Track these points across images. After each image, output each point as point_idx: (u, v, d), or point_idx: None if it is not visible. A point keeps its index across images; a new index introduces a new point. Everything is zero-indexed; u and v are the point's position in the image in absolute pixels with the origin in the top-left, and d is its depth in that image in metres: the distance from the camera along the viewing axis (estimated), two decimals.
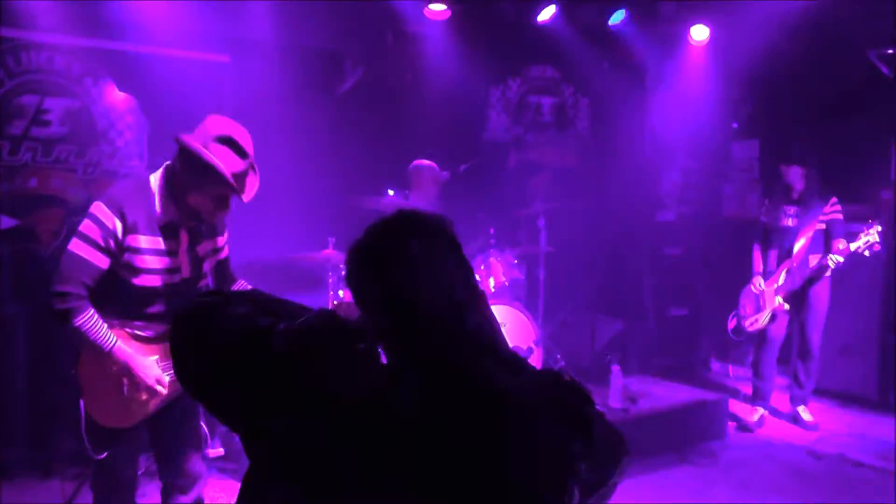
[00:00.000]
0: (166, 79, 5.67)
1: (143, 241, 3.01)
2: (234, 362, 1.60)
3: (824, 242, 5.91)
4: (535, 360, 5.66)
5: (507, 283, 5.85)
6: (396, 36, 6.72)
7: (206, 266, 3.22)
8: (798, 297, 6.03)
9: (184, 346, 1.71)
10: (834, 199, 5.91)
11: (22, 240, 5.67)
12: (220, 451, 5.13)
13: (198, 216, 3.09)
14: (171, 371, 3.02)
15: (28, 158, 5.64)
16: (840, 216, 5.90)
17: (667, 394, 6.27)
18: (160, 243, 3.04)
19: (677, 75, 7.78)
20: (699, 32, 7.52)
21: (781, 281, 5.99)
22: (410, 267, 1.61)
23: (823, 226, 5.90)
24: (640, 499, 4.97)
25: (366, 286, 1.64)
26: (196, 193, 3.02)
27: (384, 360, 1.65)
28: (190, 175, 3.02)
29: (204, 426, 5.18)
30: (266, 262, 5.38)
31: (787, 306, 5.98)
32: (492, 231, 5.90)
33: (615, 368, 5.86)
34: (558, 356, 6.13)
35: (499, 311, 5.54)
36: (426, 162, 5.94)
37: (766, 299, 6.05)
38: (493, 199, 6.50)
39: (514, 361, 1.69)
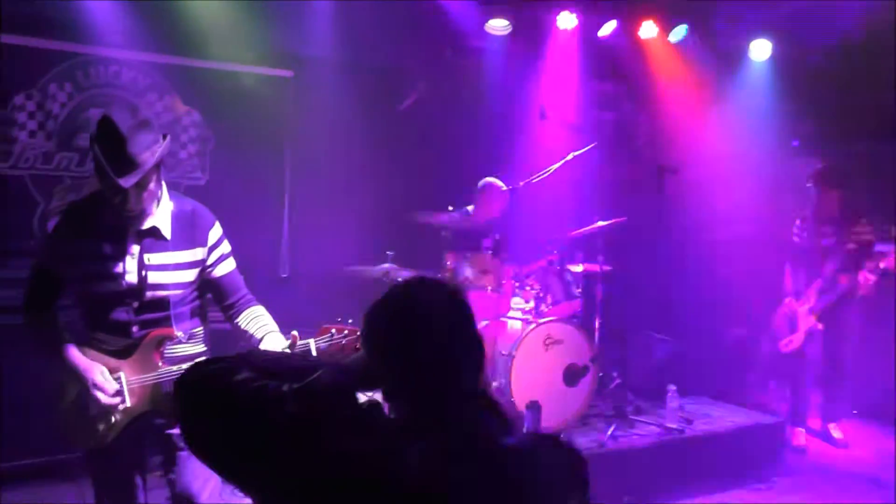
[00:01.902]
0: (230, 93, 5.76)
1: (83, 245, 3.01)
2: (249, 428, 1.70)
3: (856, 262, 5.91)
4: (591, 378, 5.63)
5: (564, 301, 5.82)
6: (456, 52, 6.74)
7: (166, 278, 3.09)
8: (831, 317, 6.04)
9: (194, 412, 1.81)
10: (866, 220, 5.93)
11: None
12: None
13: (137, 216, 3.00)
14: (130, 390, 3.05)
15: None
16: (872, 237, 5.91)
17: (723, 415, 6.19)
18: (100, 248, 3.02)
19: (737, 91, 7.68)
20: (760, 48, 7.46)
21: (814, 301, 6.00)
22: (421, 327, 1.73)
23: (855, 246, 5.86)
24: None
25: (380, 342, 1.77)
26: (103, 189, 2.96)
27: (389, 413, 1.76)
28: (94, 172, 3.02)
29: None
30: (325, 274, 5.42)
31: (821, 326, 5.97)
32: (551, 248, 5.88)
33: (671, 388, 5.80)
34: (614, 374, 6.08)
35: (556, 329, 5.52)
36: (490, 181, 5.94)
37: (799, 320, 6.03)
38: (553, 216, 6.48)
39: (512, 421, 1.83)
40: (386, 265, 5.45)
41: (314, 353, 2.98)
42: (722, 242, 7.64)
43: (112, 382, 3.04)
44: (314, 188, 6.27)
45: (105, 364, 3.07)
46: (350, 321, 3.03)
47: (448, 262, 5.48)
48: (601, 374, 5.79)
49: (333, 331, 3.01)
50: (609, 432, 5.40)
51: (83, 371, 3.02)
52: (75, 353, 3.05)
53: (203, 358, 3.16)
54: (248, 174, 6.06)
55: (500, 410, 1.81)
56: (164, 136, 3.02)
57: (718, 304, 7.35)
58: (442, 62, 6.71)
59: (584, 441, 5.37)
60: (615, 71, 7.49)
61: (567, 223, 6.24)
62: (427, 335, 1.73)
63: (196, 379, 1.84)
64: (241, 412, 1.72)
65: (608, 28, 7.04)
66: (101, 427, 3.07)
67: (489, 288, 5.55)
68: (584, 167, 6.36)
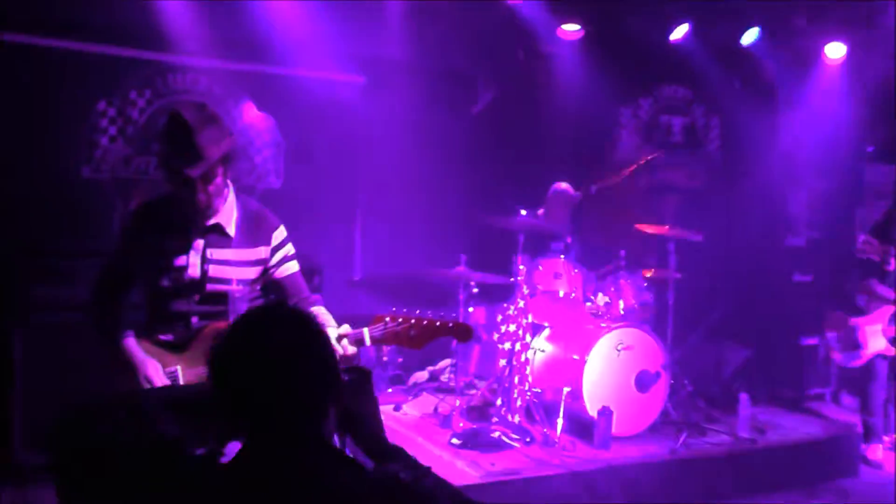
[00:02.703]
0: (303, 99, 5.86)
1: (153, 239, 3.13)
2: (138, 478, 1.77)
3: None
4: (662, 385, 5.57)
5: (636, 306, 5.77)
6: (528, 56, 6.74)
7: (227, 273, 3.18)
8: None
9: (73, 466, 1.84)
10: None
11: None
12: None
13: (203, 210, 3.10)
14: (188, 381, 3.13)
15: None
16: None
17: (796, 426, 6.06)
18: (168, 242, 3.13)
19: (810, 94, 7.54)
20: (834, 50, 7.31)
21: (885, 325, 5.80)
22: (268, 367, 1.67)
23: None
24: None
25: (226, 382, 1.71)
26: (172, 184, 3.07)
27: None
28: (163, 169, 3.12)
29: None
30: (398, 277, 5.47)
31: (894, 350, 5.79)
32: (622, 253, 5.84)
33: (743, 397, 5.70)
34: (685, 382, 5.99)
35: (627, 335, 5.48)
36: (561, 185, 5.93)
37: (866, 338, 5.85)
38: (623, 221, 6.43)
39: (354, 462, 1.78)
40: (458, 268, 5.47)
41: (367, 341, 3.04)
42: (795, 249, 7.51)
43: (163, 378, 3.10)
44: (386, 192, 6.34)
45: (162, 359, 3.14)
46: (404, 310, 3.04)
47: (520, 266, 5.48)
48: (672, 381, 5.72)
49: (387, 319, 3.04)
50: (681, 440, 5.33)
51: (138, 364, 3.09)
52: (134, 346, 3.12)
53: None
54: (322, 178, 6.15)
55: (344, 458, 1.74)
56: (231, 132, 3.09)
57: (791, 312, 7.21)
58: (515, 66, 6.71)
59: (655, 448, 5.30)
60: (686, 74, 7.40)
61: (638, 228, 6.19)
62: (256, 374, 1.67)
63: (69, 428, 1.85)
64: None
65: (680, 31, 6.97)
66: None
67: (561, 292, 5.53)
68: (655, 172, 6.32)
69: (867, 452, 6.02)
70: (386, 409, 5.84)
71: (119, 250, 3.25)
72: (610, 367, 5.40)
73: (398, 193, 6.26)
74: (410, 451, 4.84)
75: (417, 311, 3.06)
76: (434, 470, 4.58)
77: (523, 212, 5.47)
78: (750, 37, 7.10)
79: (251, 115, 6.04)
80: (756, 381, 6.39)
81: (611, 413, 5.22)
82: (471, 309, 5.58)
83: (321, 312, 3.28)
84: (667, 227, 5.84)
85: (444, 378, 6.31)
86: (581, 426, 5.33)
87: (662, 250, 6.00)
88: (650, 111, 7.44)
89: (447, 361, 6.29)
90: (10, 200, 5.37)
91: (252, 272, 3.23)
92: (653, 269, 6.00)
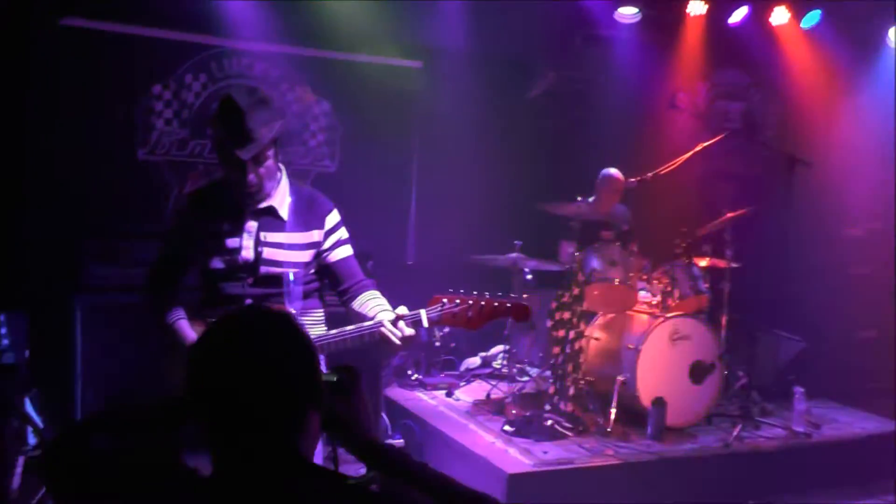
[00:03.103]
0: (359, 83, 5.86)
1: (206, 222, 3.15)
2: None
3: None
4: (717, 377, 5.49)
5: (691, 296, 5.69)
6: (585, 41, 6.66)
7: (280, 256, 3.17)
8: None
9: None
10: None
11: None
12: (400, 442, 5.27)
13: (255, 193, 3.10)
14: None
15: None
16: None
17: (852, 421, 5.94)
18: (221, 224, 3.15)
19: (873, 80, 7.34)
20: None
21: None
22: (240, 373, 1.55)
23: None
24: None
25: (197, 389, 1.59)
26: (224, 167, 3.08)
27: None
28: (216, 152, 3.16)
29: (384, 416, 5.34)
30: (451, 263, 5.45)
31: None
32: (678, 241, 5.75)
33: (798, 391, 5.59)
34: (740, 373, 5.91)
35: (683, 324, 5.40)
36: (610, 171, 5.85)
37: None
38: (681, 209, 6.35)
39: (332, 476, 1.62)
40: (513, 255, 5.44)
41: (425, 323, 3.00)
42: (855, 240, 7.34)
43: None
44: (441, 177, 6.33)
45: None
46: (462, 290, 3.01)
47: (575, 253, 5.43)
48: (726, 373, 5.65)
49: (444, 300, 3.00)
50: (735, 433, 5.25)
51: (188, 346, 3.11)
52: (185, 328, 3.16)
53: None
54: (377, 163, 6.15)
55: (319, 473, 1.60)
56: (282, 115, 3.10)
57: (850, 304, 7.07)
58: (571, 51, 6.64)
59: (709, 440, 5.25)
60: (744, 59, 7.25)
61: (695, 216, 6.10)
62: (227, 382, 1.54)
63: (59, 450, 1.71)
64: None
65: (739, 14, 6.82)
66: None
67: (616, 280, 5.46)
68: (711, 159, 6.22)
69: None
70: (438, 395, 5.90)
71: (173, 233, 3.29)
72: (664, 358, 5.34)
73: (453, 178, 6.24)
74: (463, 438, 4.91)
75: (475, 292, 3.02)
76: (487, 457, 4.61)
77: (579, 198, 5.41)
78: (810, 20, 6.93)
79: (306, 99, 6.05)
80: (811, 375, 6.26)
81: (665, 404, 5.16)
82: (525, 296, 5.53)
83: (377, 296, 3.25)
84: (723, 214, 5.75)
85: (496, 364, 6.30)
86: (634, 416, 5.28)
87: (719, 239, 5.90)
88: (707, 96, 7.31)
89: (500, 347, 6.28)
90: (67, 182, 5.45)
91: (305, 255, 3.22)
92: (708, 258, 5.90)
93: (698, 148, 5.88)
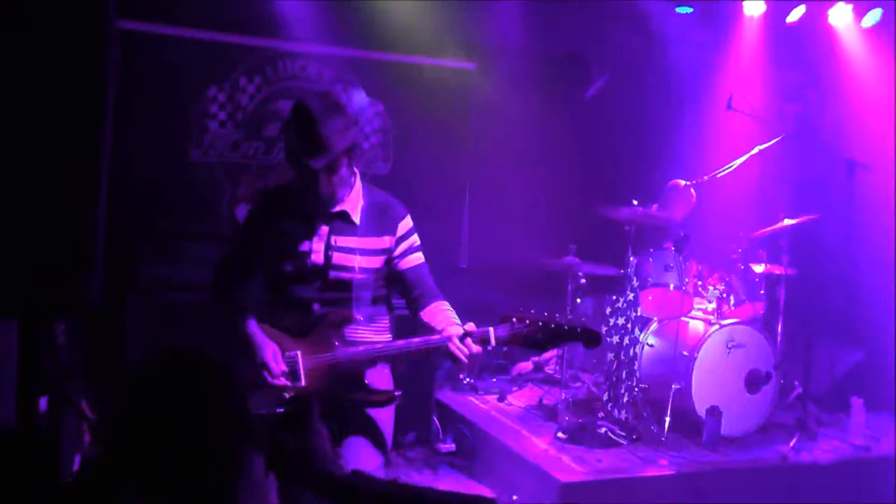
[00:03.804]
0: (413, 85, 5.84)
1: (276, 224, 3.16)
2: None
3: None
4: (773, 386, 5.40)
5: (747, 302, 5.59)
6: (642, 39, 6.58)
7: (350, 261, 3.15)
8: None
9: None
10: None
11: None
12: (452, 446, 5.26)
13: (327, 199, 3.10)
14: (306, 371, 3.12)
15: (280, 159, 5.98)
16: None
17: None
18: (292, 227, 3.15)
19: None
20: None
21: None
22: (161, 425, 1.50)
23: None
24: None
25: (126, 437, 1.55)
26: (296, 172, 3.10)
27: None
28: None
29: (436, 420, 5.34)
30: (505, 266, 5.42)
31: None
32: (734, 247, 5.66)
33: (857, 402, 5.48)
34: (795, 382, 5.80)
35: (738, 332, 5.31)
36: (682, 183, 5.75)
37: None
38: (736, 213, 6.24)
39: None
40: (567, 258, 5.39)
41: (493, 342, 2.95)
42: None
43: (280, 364, 3.12)
44: (495, 179, 6.29)
45: (282, 342, 3.15)
46: (532, 311, 2.96)
47: (631, 258, 5.37)
48: (782, 382, 5.55)
49: (514, 319, 2.95)
50: (791, 445, 5.16)
51: (258, 347, 3.12)
52: (255, 329, 3.16)
53: None
54: (430, 165, 6.14)
55: None
56: (356, 122, 3.09)
57: None
58: (627, 50, 6.57)
59: (764, 452, 5.15)
60: (802, 59, 7.11)
61: (751, 220, 6.00)
62: (150, 433, 1.51)
63: None
64: None
65: (797, 13, 6.68)
66: (279, 400, 3.14)
67: (672, 285, 5.39)
68: (768, 161, 6.10)
69: None
70: (490, 399, 5.86)
71: (244, 234, 3.32)
72: (720, 366, 5.25)
73: (507, 180, 6.22)
74: (515, 444, 4.89)
75: (545, 314, 2.96)
76: (540, 465, 4.57)
77: (635, 202, 5.34)
78: (871, 19, 6.76)
79: (360, 100, 6.05)
80: (870, 386, 6.13)
81: (720, 413, 5.08)
82: (578, 300, 5.50)
83: (447, 308, 3.21)
84: (780, 219, 5.64)
85: (549, 369, 6.26)
86: (689, 425, 5.20)
87: (775, 244, 5.79)
88: (764, 98, 7.15)
89: (553, 352, 6.22)
90: (124, 181, 5.49)
91: (376, 261, 3.19)
92: (765, 264, 5.80)
93: (754, 150, 5.77)
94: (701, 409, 5.11)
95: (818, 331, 6.54)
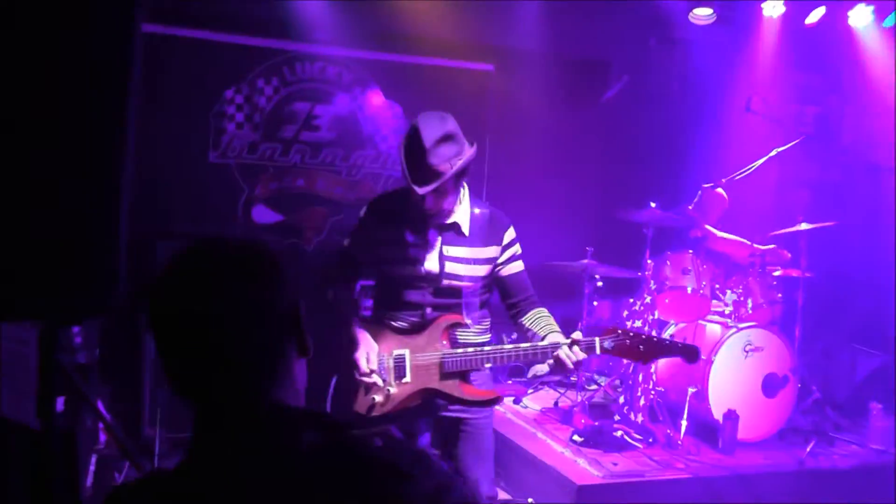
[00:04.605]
0: (431, 87, 5.87)
1: (389, 231, 3.31)
2: None
3: None
4: (790, 391, 5.36)
5: (765, 306, 5.56)
6: (660, 42, 6.55)
7: (461, 270, 3.28)
8: None
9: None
10: None
11: (287, 235, 6.05)
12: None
13: (435, 214, 3.24)
14: (414, 368, 3.24)
15: (297, 160, 6.01)
16: None
17: None
18: (405, 235, 3.29)
19: None
20: None
21: None
22: (220, 304, 1.33)
23: None
24: None
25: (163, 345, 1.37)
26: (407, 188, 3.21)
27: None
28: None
29: None
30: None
31: None
32: (752, 250, 5.63)
33: (875, 407, 5.44)
34: (814, 388, 5.76)
35: (756, 336, 5.28)
36: (719, 191, 5.72)
37: None
38: (754, 216, 6.21)
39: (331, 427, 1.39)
40: (584, 261, 5.38)
41: (598, 351, 3.17)
42: None
43: (372, 363, 3.23)
44: (513, 181, 6.28)
45: (392, 341, 3.30)
46: (637, 326, 3.06)
47: (648, 261, 5.36)
48: (800, 386, 5.51)
49: (619, 331, 3.17)
50: (808, 449, 5.13)
51: (356, 344, 3.25)
52: (355, 328, 3.29)
53: None
54: None
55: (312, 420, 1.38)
56: (472, 145, 3.22)
57: None
58: (646, 53, 6.55)
59: (782, 456, 5.12)
60: (821, 61, 7.06)
61: (769, 223, 5.96)
62: (176, 322, 1.33)
63: None
64: None
65: (816, 15, 6.63)
66: (375, 399, 3.27)
67: (689, 288, 5.37)
68: (786, 164, 6.06)
69: None
70: (506, 402, 5.82)
71: (357, 236, 3.42)
72: (737, 369, 5.23)
73: (524, 182, 6.21)
74: (531, 447, 4.87)
75: (647, 328, 3.06)
76: (556, 467, 4.57)
77: (653, 204, 5.32)
78: (893, 19, 6.69)
79: (378, 102, 6.07)
80: (890, 391, 6.09)
81: (737, 417, 5.06)
82: (595, 303, 5.49)
83: (547, 315, 3.38)
84: (798, 222, 5.61)
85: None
86: (706, 429, 5.18)
87: (794, 248, 5.76)
88: (782, 100, 7.10)
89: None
90: (141, 182, 5.51)
91: (483, 269, 3.34)
92: (783, 268, 5.77)
93: (773, 153, 5.74)
94: (717, 412, 5.09)
95: (837, 335, 6.51)
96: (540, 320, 3.34)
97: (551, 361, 3.15)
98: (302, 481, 1.29)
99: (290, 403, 1.41)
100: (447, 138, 3.16)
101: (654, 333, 3.29)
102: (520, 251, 3.45)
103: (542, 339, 3.24)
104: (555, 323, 3.34)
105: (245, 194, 6.00)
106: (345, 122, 6.08)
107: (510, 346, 3.26)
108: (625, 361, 5.24)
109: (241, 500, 1.29)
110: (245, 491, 1.29)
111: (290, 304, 1.42)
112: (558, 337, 3.21)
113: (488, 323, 3.49)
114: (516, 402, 5.79)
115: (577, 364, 3.13)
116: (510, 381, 6.18)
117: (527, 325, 3.36)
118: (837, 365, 6.33)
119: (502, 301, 3.45)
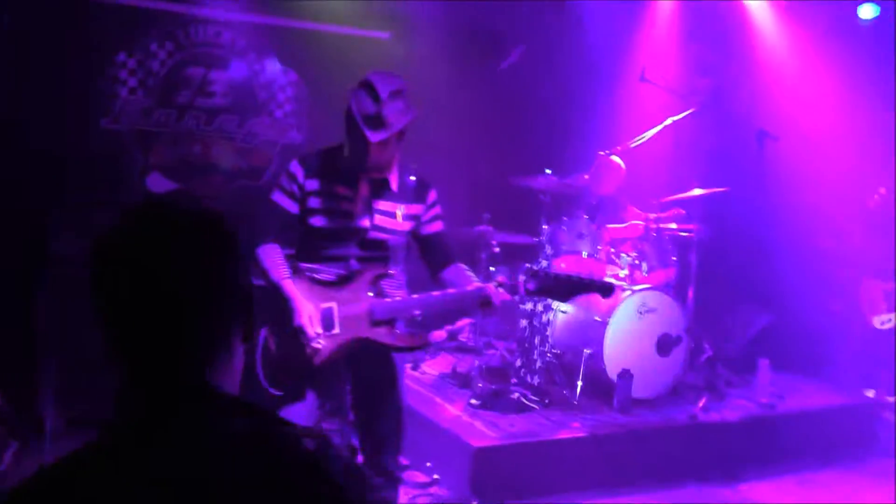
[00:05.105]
0: (328, 55, 5.81)
1: (320, 184, 3.38)
2: None
3: None
4: (683, 349, 5.53)
5: (658, 268, 5.72)
6: (557, 12, 6.60)
7: (390, 224, 3.42)
8: None
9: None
10: None
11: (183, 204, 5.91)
12: None
13: (374, 167, 3.36)
14: (341, 319, 3.29)
15: (192, 126, 5.88)
16: None
17: (816, 393, 6.03)
18: (336, 188, 3.38)
19: (845, 56, 7.34)
20: (868, 9, 7.06)
21: None
22: (148, 283, 1.23)
23: None
24: (782, 499, 4.85)
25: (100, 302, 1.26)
26: (349, 139, 3.33)
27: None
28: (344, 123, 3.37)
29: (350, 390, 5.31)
30: None
31: None
32: (646, 214, 5.77)
33: (763, 363, 5.66)
34: (706, 346, 5.96)
35: (650, 297, 5.43)
36: (615, 159, 5.81)
37: None
38: (650, 182, 6.34)
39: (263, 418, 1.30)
40: (481, 227, 5.43)
41: (522, 291, 3.35)
42: (824, 213, 7.39)
43: (318, 323, 3.26)
44: (409, 148, 6.21)
45: (318, 296, 3.32)
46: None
47: (544, 226, 5.43)
48: (693, 345, 5.69)
49: (540, 272, 3.40)
50: (700, 404, 5.31)
51: (295, 308, 3.25)
52: (292, 288, 3.29)
53: None
54: (343, 134, 6.07)
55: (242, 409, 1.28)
56: (416, 107, 3.41)
57: (818, 279, 7.13)
58: (542, 22, 6.59)
59: (675, 413, 5.30)
60: (714, 34, 7.23)
61: (663, 189, 6.11)
62: (120, 288, 1.24)
63: None
64: None
65: None
66: (306, 352, 3.29)
67: (585, 253, 5.47)
68: (682, 133, 6.21)
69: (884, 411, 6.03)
70: (405, 368, 5.84)
71: (286, 189, 3.43)
72: (631, 330, 5.37)
73: (421, 150, 6.17)
74: (429, 411, 4.91)
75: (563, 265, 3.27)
76: (453, 430, 4.60)
77: (548, 171, 5.39)
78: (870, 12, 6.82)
79: (273, 69, 5.97)
80: (777, 348, 6.33)
81: (631, 376, 5.20)
82: (492, 268, 5.54)
83: (465, 269, 3.57)
84: (692, 188, 5.76)
85: (463, 338, 6.29)
86: (601, 389, 5.31)
87: (687, 212, 5.92)
88: (678, 70, 7.25)
89: (466, 321, 6.27)
90: (30, 151, 5.33)
91: (408, 225, 3.50)
92: (676, 232, 5.92)
93: (667, 122, 5.88)
94: (613, 372, 5.23)
95: (729, 296, 6.74)
96: (460, 273, 3.53)
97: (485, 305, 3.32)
98: (223, 469, 1.20)
99: (227, 389, 1.31)
100: (398, 93, 3.32)
101: (574, 272, 3.48)
102: (441, 211, 3.63)
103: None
104: (474, 275, 3.53)
105: (140, 162, 5.84)
106: (240, 88, 5.95)
107: (437, 293, 3.39)
108: (544, 316, 5.33)
109: (159, 485, 1.20)
110: (162, 476, 1.20)
111: (245, 284, 1.36)
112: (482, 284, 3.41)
113: (404, 277, 3.61)
114: (414, 368, 5.82)
115: (504, 304, 3.36)
116: None
117: (446, 277, 3.53)
118: (729, 324, 6.56)
119: (423, 258, 3.62)
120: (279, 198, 3.43)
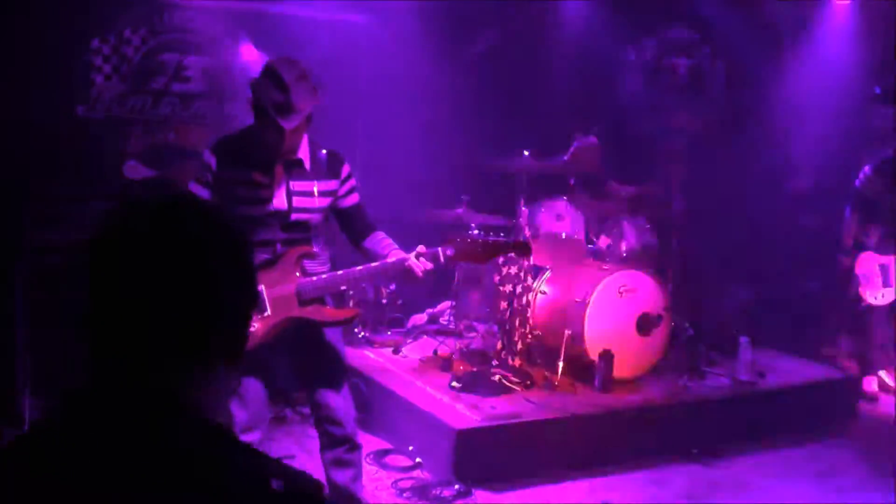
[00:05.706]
0: (303, 39, 5.76)
1: (236, 173, 3.41)
2: None
3: None
4: (664, 329, 5.54)
5: (638, 248, 5.73)
6: None
7: (309, 203, 3.47)
8: None
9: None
10: None
11: (158, 190, 5.87)
12: None
13: (288, 151, 3.41)
14: (271, 301, 3.36)
15: (168, 112, 5.85)
16: None
17: (796, 369, 6.05)
18: (253, 176, 3.40)
19: (818, 35, 7.39)
20: None
21: None
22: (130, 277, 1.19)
23: None
24: (766, 475, 4.87)
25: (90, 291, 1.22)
26: (260, 127, 3.37)
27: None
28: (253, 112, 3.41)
29: None
30: (398, 219, 5.42)
31: None
32: (624, 195, 5.78)
33: (744, 340, 5.69)
34: (687, 325, 5.99)
35: (630, 277, 5.43)
36: (590, 139, 5.81)
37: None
38: (627, 164, 6.35)
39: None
40: (459, 210, 5.42)
41: (442, 259, 3.42)
42: (802, 192, 7.43)
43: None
44: (388, 133, 6.24)
45: None
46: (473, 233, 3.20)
47: (522, 208, 5.43)
48: (673, 324, 5.71)
49: (458, 240, 3.47)
50: (681, 383, 5.34)
51: None
52: None
53: None
54: (321, 118, 6.01)
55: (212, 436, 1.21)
56: (320, 89, 3.42)
57: (795, 256, 7.18)
58: (518, 6, 6.58)
59: (656, 392, 5.32)
60: (693, 14, 7.24)
61: (643, 170, 6.13)
62: (103, 283, 1.20)
63: None
64: None
65: None
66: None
67: (563, 234, 5.48)
68: (660, 114, 6.22)
69: (863, 384, 6.07)
70: (385, 352, 5.86)
71: (203, 180, 3.45)
72: (612, 311, 5.37)
73: (400, 136, 6.18)
74: (410, 394, 4.91)
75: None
76: (435, 413, 4.61)
77: (526, 153, 5.39)
78: None
79: (249, 55, 5.92)
80: (758, 325, 6.37)
81: (612, 356, 5.21)
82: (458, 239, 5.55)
83: (386, 237, 3.62)
84: (671, 169, 5.78)
85: (443, 320, 6.29)
86: (582, 369, 5.32)
87: (666, 192, 5.94)
88: (655, 52, 7.28)
89: (447, 304, 6.27)
90: (5, 141, 5.28)
91: (325, 201, 3.54)
92: (656, 212, 5.94)
93: (646, 105, 5.90)
94: (593, 353, 5.23)
95: (709, 274, 6.77)
96: (381, 242, 3.59)
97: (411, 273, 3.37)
98: (145, 482, 1.13)
99: (202, 409, 1.22)
100: (303, 77, 3.34)
101: (490, 235, 3.60)
102: (356, 183, 3.67)
103: (385, 257, 3.49)
104: (395, 243, 3.57)
105: (116, 149, 5.79)
106: (216, 73, 5.91)
107: (359, 267, 3.45)
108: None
109: (70, 486, 1.14)
110: (76, 477, 1.14)
111: (234, 301, 1.27)
112: (399, 254, 3.46)
113: (329, 253, 3.68)
114: (395, 351, 5.82)
115: (426, 273, 3.39)
116: (389, 332, 6.18)
117: (368, 246, 3.60)
118: (709, 303, 6.58)
119: (344, 230, 3.69)
120: (195, 188, 3.48)
